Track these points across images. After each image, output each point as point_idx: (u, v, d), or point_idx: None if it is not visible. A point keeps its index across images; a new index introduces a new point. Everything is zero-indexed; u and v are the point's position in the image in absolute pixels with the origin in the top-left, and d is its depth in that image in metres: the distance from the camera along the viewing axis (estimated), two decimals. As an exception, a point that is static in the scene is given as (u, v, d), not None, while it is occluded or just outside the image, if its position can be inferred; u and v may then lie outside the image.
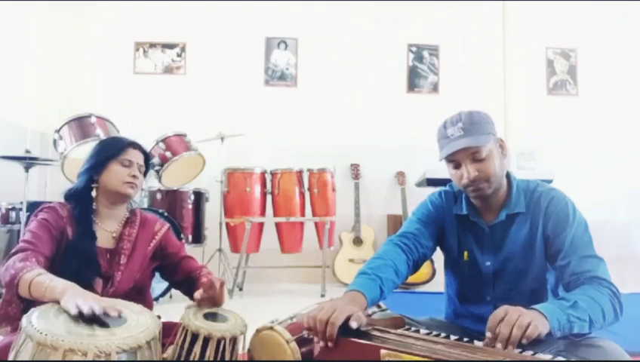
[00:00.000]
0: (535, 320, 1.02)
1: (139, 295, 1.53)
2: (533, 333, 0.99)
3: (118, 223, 1.57)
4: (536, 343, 1.03)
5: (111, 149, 1.55)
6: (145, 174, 1.63)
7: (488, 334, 1.03)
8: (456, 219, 1.46)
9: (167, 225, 1.66)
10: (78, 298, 1.12)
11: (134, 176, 1.53)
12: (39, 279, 1.22)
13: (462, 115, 1.32)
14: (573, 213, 1.32)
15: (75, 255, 1.41)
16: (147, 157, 1.63)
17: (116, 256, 1.51)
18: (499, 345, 0.99)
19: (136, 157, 1.57)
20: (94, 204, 1.53)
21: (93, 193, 1.52)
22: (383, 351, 0.98)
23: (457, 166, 1.34)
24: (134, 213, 1.62)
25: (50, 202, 1.52)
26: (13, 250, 1.35)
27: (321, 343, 1.08)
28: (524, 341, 0.99)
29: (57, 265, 1.34)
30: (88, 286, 1.36)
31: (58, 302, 1.15)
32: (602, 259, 1.26)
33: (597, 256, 1.26)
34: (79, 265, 1.39)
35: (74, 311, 1.08)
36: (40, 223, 1.42)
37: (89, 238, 1.46)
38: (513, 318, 1.01)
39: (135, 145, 1.58)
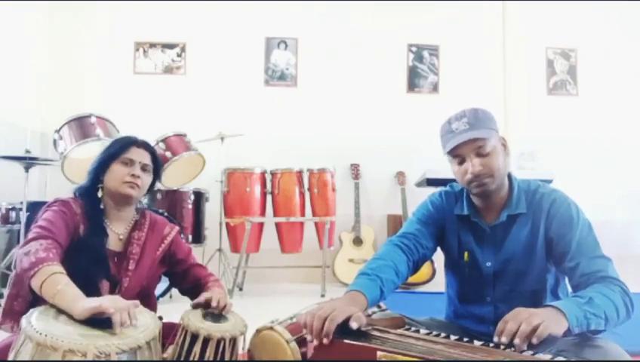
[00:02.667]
0: (547, 320, 1.01)
1: (144, 298, 1.49)
2: (542, 333, 0.98)
3: (126, 226, 1.53)
4: (548, 343, 1.03)
5: (114, 148, 1.50)
6: (156, 174, 1.57)
7: (496, 339, 1.02)
8: (456, 220, 1.46)
9: (177, 228, 1.62)
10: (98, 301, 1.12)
11: (134, 176, 1.47)
12: (54, 278, 1.18)
13: (466, 112, 1.34)
14: (577, 214, 1.32)
15: (84, 253, 1.37)
16: (155, 156, 1.56)
17: (124, 261, 1.47)
18: (504, 339, 0.98)
19: (140, 156, 1.51)
20: (102, 204, 1.49)
21: (99, 193, 1.48)
22: (379, 353, 0.98)
23: (461, 161, 1.34)
24: (144, 214, 1.57)
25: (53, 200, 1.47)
26: (32, 235, 1.30)
27: (315, 342, 1.06)
28: (534, 340, 0.98)
29: (66, 263, 1.30)
30: (95, 286, 1.34)
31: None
32: (610, 258, 1.26)
33: (604, 256, 1.26)
34: (88, 263, 1.36)
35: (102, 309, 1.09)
36: (57, 213, 1.38)
37: (100, 236, 1.43)
38: (523, 316, 1.01)
39: (140, 144, 1.52)
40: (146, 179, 1.52)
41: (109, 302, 1.11)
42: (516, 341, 0.98)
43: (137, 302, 1.21)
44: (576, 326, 1.07)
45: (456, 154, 1.34)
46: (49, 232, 1.31)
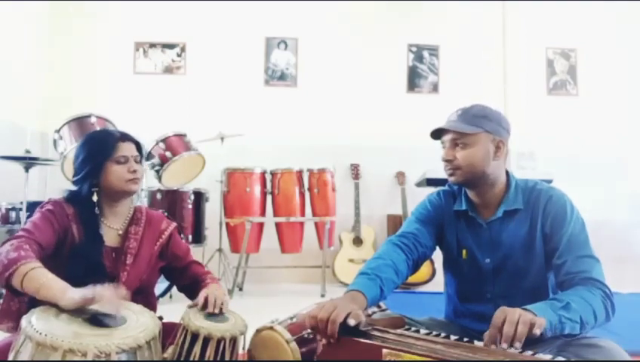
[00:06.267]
0: (534, 318, 1.02)
1: (144, 295, 1.50)
2: (536, 333, 0.99)
3: (123, 220, 1.53)
4: (534, 343, 1.03)
5: (103, 150, 1.47)
6: (140, 162, 1.57)
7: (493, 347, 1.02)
8: (454, 218, 1.47)
9: (174, 224, 1.62)
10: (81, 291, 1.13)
11: (135, 171, 1.48)
12: (35, 273, 1.17)
13: (470, 105, 1.41)
14: (571, 211, 1.32)
15: (81, 260, 1.37)
16: (138, 144, 1.56)
17: (122, 256, 1.47)
18: (504, 345, 0.99)
19: (130, 150, 1.51)
20: (97, 207, 1.47)
21: (95, 197, 1.46)
22: (384, 351, 0.98)
23: (445, 147, 1.41)
24: (139, 210, 1.58)
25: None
26: (8, 237, 1.30)
27: (324, 341, 1.07)
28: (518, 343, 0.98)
29: (62, 268, 1.30)
30: None
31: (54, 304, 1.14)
32: (598, 259, 1.26)
33: (593, 256, 1.26)
34: (85, 270, 1.34)
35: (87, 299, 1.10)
36: (43, 215, 1.38)
37: (96, 243, 1.42)
38: (515, 317, 1.01)
39: (125, 138, 1.52)
40: (141, 169, 1.53)
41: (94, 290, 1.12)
42: (516, 344, 0.98)
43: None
44: (550, 329, 1.06)
45: (441, 139, 1.41)
46: (26, 232, 1.31)
